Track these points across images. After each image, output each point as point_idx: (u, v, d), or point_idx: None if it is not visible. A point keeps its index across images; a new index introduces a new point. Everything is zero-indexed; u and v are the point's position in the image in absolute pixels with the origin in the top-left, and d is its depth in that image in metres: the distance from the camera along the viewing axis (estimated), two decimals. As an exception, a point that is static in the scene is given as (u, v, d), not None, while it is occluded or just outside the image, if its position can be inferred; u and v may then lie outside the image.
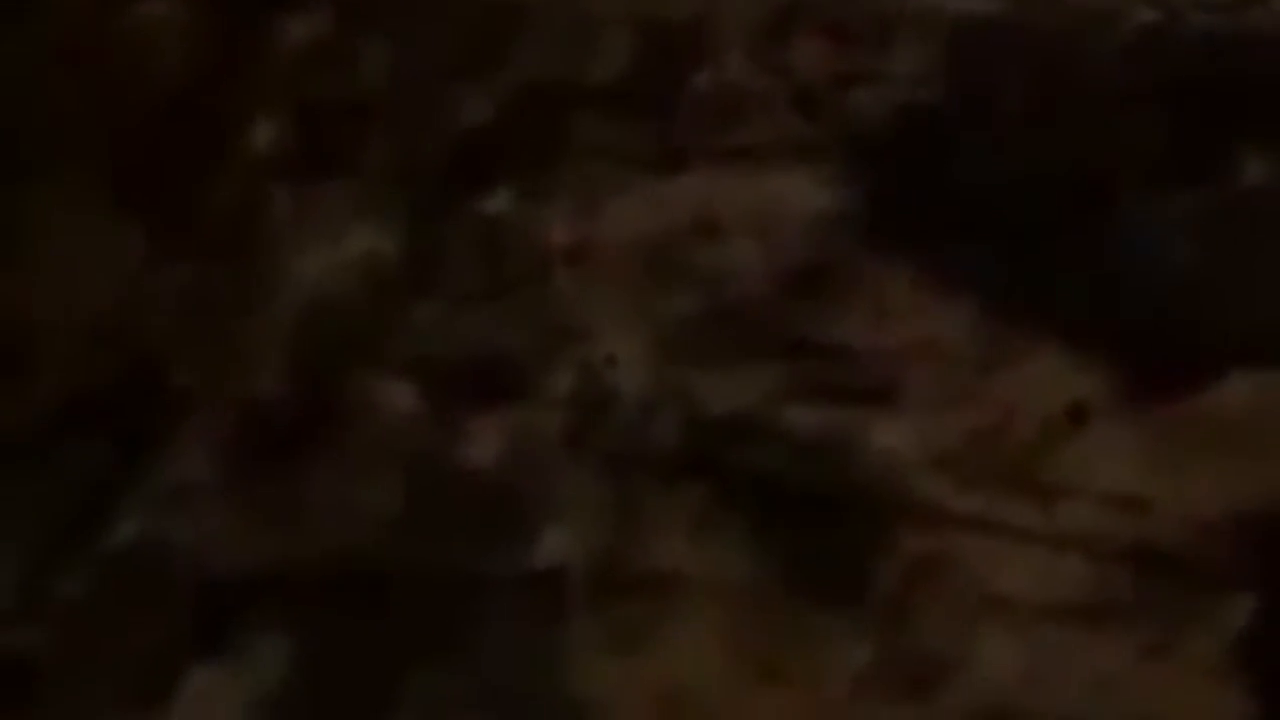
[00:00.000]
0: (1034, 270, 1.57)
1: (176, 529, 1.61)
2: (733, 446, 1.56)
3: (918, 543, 1.49)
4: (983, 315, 1.56)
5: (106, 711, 1.56)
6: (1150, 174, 1.60)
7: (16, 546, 1.63)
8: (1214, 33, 1.65)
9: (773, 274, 1.62)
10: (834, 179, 1.64)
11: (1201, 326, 1.52)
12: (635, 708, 1.47)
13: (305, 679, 1.53)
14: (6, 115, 1.79)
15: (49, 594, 1.61)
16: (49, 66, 1.80)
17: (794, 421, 1.55)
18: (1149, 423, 1.49)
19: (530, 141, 1.74)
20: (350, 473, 1.61)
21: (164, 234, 1.75)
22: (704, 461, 1.56)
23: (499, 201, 1.71)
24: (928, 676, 1.43)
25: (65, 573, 1.61)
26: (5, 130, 1.80)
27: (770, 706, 1.46)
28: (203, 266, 1.73)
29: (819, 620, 1.47)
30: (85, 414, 1.67)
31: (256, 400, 1.65)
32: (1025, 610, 1.45)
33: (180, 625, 1.58)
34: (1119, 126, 1.62)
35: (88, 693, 1.57)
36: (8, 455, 1.65)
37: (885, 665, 1.44)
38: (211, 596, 1.58)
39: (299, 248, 1.71)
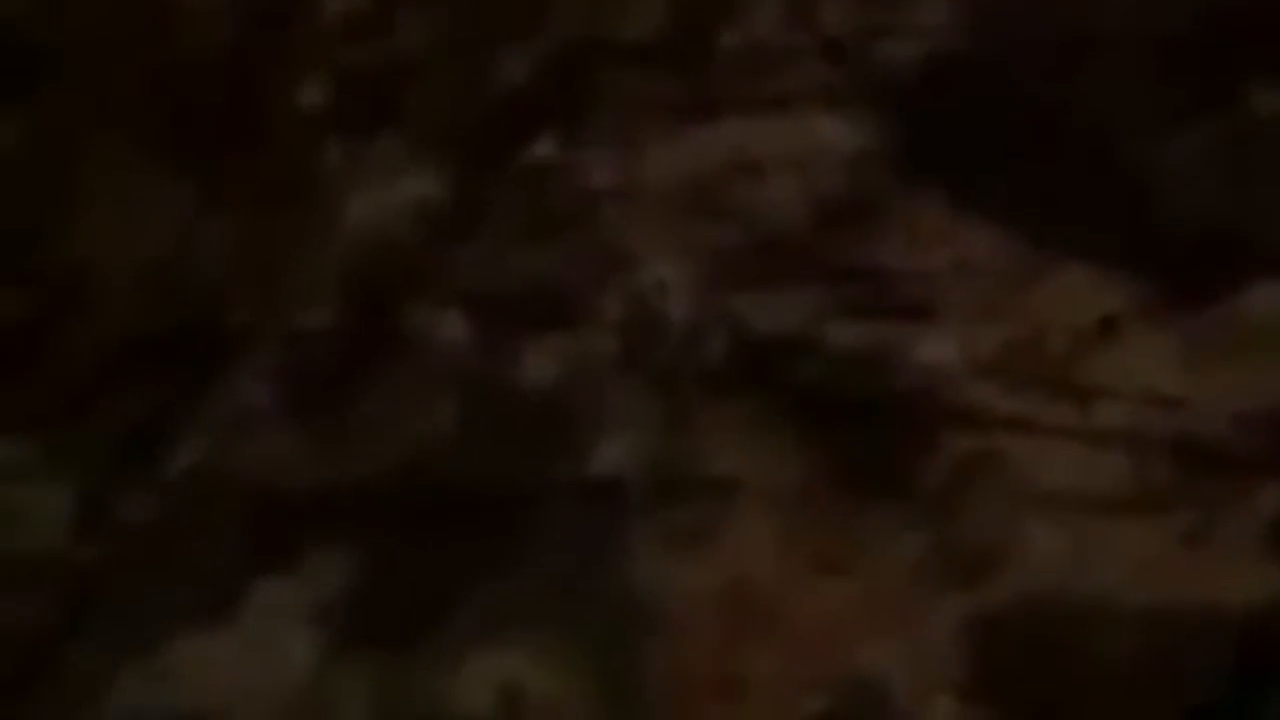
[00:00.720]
0: (1060, 197, 1.66)
1: (237, 453, 1.66)
2: (779, 362, 1.62)
3: (962, 443, 1.55)
4: (1012, 238, 1.66)
5: (172, 625, 1.61)
6: (1165, 109, 1.70)
7: (78, 473, 1.69)
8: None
9: (810, 207, 1.69)
10: (864, 121, 1.74)
11: (1223, 242, 1.61)
12: (695, 604, 1.53)
13: (367, 589, 1.58)
14: (68, 81, 1.88)
15: (111, 516, 1.67)
16: (107, 36, 1.89)
17: (837, 338, 1.62)
18: (1178, 330, 1.57)
19: (570, 97, 1.82)
20: (406, 398, 1.66)
21: (217, 187, 1.82)
22: (752, 376, 1.62)
23: (543, 149, 1.78)
24: (979, 565, 1.49)
25: (127, 496, 1.67)
26: (67, 95, 1.89)
27: (828, 597, 1.51)
28: (255, 215, 1.80)
29: (870, 516, 1.54)
30: (146, 352, 1.74)
31: (312, 334, 1.72)
32: (1068, 502, 1.51)
33: (243, 542, 1.62)
34: (1135, 67, 1.73)
35: (153, 608, 1.62)
36: (69, 391, 1.73)
37: (937, 555, 1.50)
38: (273, 514, 1.63)
39: (349, 194, 1.79)
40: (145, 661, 1.56)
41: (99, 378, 1.72)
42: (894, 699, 1.45)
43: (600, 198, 1.73)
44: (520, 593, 1.55)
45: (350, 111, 1.84)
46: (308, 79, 1.84)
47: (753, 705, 1.47)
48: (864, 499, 1.54)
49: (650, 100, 1.78)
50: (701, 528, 1.55)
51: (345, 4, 1.90)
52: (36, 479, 1.67)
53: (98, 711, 1.56)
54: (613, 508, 1.57)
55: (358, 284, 1.72)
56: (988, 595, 1.47)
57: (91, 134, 1.85)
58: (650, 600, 1.52)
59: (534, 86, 1.81)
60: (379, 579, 1.58)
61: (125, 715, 1.55)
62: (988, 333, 1.60)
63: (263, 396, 1.68)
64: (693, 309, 1.66)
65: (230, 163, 1.83)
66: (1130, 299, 1.59)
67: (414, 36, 1.86)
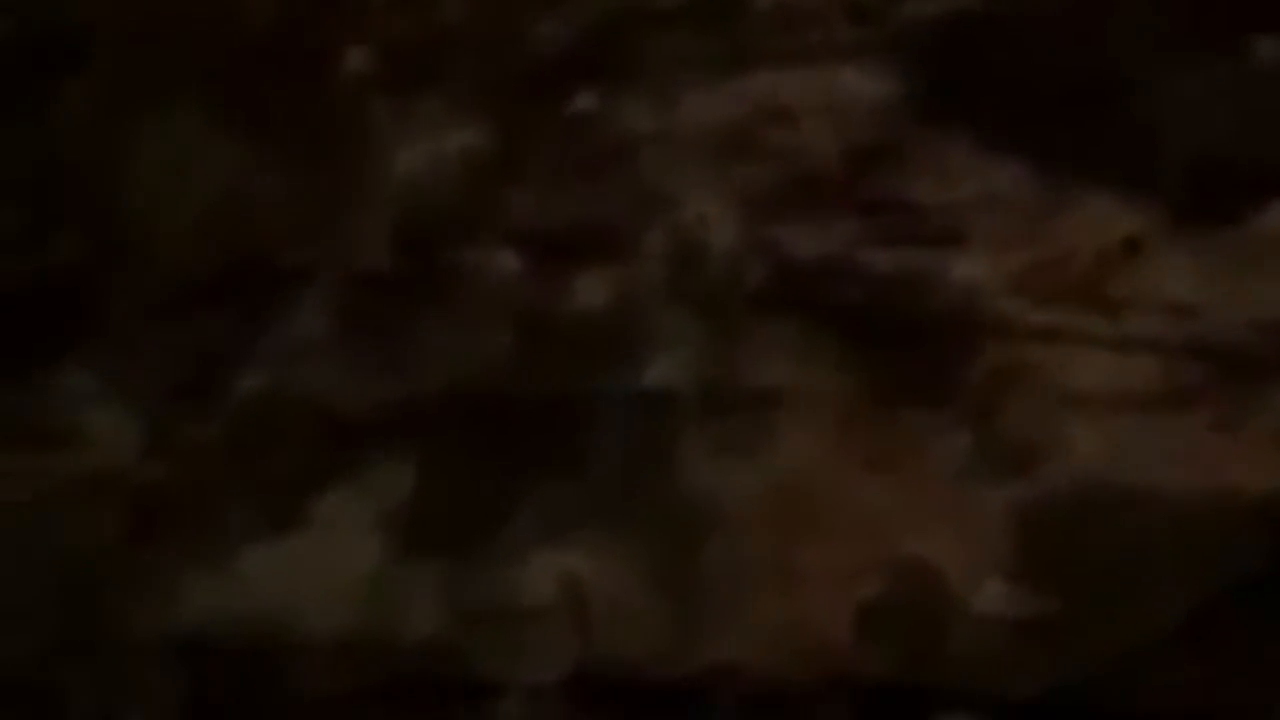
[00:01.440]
0: (1079, 138, 1.74)
1: (297, 378, 1.71)
2: (819, 285, 1.69)
3: (999, 353, 1.62)
4: (1037, 171, 1.74)
5: (240, 536, 1.66)
6: (1173, 56, 1.79)
7: (142, 400, 1.74)
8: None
9: (841, 148, 1.78)
10: (887, 74, 1.83)
11: (1232, 171, 1.70)
12: (748, 503, 1.59)
13: (429, 496, 1.64)
14: (126, 51, 1.95)
15: (176, 438, 1.71)
16: (163, 7, 1.96)
17: (873, 263, 1.71)
18: (1198, 248, 1.65)
19: (608, 58, 1.90)
20: (460, 324, 1.73)
21: (269, 146, 1.89)
22: (793, 299, 1.70)
23: (583, 102, 1.86)
24: (1020, 459, 1.56)
25: (192, 419, 1.72)
26: (126, 64, 1.95)
27: (877, 493, 1.58)
28: (307, 170, 1.86)
29: (913, 420, 1.61)
30: (204, 289, 1.80)
31: (367, 271, 1.78)
32: (1100, 401, 1.59)
33: (307, 457, 1.68)
34: (1146, 17, 1.82)
35: (220, 519, 1.66)
36: (131, 323, 1.78)
37: (980, 453, 1.58)
38: (335, 430, 1.69)
39: (397, 148, 1.85)
40: (215, 567, 1.63)
41: (160, 311, 1.80)
42: (945, 582, 1.53)
43: (640, 143, 1.82)
44: (577, 496, 1.62)
45: (395, 76, 1.93)
46: (354, 48, 1.94)
47: (807, 593, 1.54)
48: (906, 406, 1.61)
49: (685, 58, 1.89)
50: (750, 434, 1.62)
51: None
52: (102, 405, 1.74)
53: (170, 615, 1.62)
54: (664, 417, 1.64)
55: (410, 226, 1.81)
56: (1030, 487, 1.55)
57: (149, 98, 1.94)
58: (704, 500, 1.60)
59: (573, 49, 1.91)
60: (440, 487, 1.64)
61: (197, 618, 1.62)
62: (1016, 255, 1.68)
63: (320, 326, 1.75)
64: (734, 239, 1.74)
65: (280, 123, 1.91)
66: (1150, 223, 1.70)
67: (456, 8, 1.97)
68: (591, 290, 1.73)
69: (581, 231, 1.78)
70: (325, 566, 1.62)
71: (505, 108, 1.87)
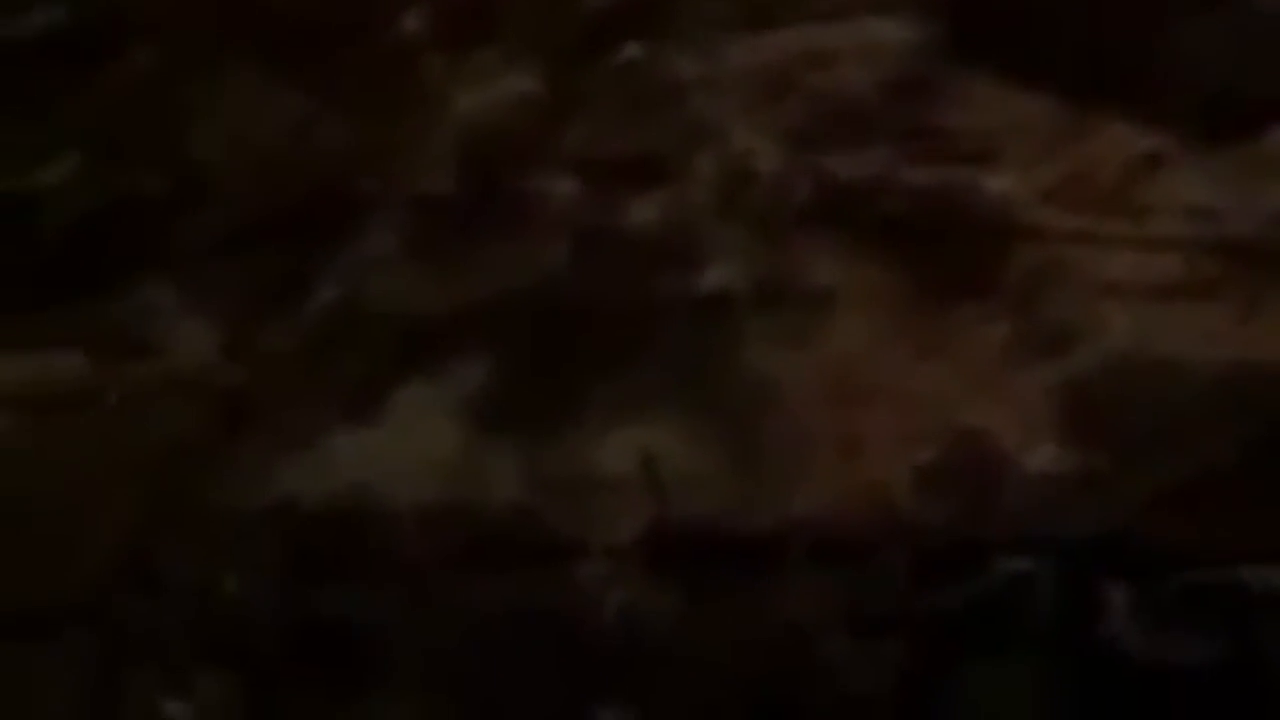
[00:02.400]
0: (1099, 66, 1.87)
1: (371, 290, 1.81)
2: (862, 201, 1.80)
3: (1033, 253, 1.74)
4: (1060, 102, 1.86)
5: (320, 428, 1.73)
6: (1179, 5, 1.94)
7: (221, 315, 1.81)
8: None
9: (876, 86, 1.90)
10: (914, 22, 1.95)
11: (1244, 97, 1.83)
12: (807, 385, 1.68)
13: (503, 385, 1.73)
14: (187, 17, 2.06)
15: (256, 344, 1.79)
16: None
17: (912, 179, 1.82)
18: (1215, 162, 1.78)
19: (651, 14, 2.01)
20: (522, 240, 1.83)
21: (329, 97, 1.98)
22: (838, 214, 1.80)
23: (630, 52, 1.97)
24: (1060, 340, 1.67)
25: (271, 329, 1.80)
26: (185, 31, 2.05)
27: (931, 375, 1.67)
28: (369, 116, 1.96)
29: (961, 311, 1.71)
30: (277, 222, 1.88)
31: (432, 195, 1.87)
32: (1131, 290, 1.70)
33: (382, 356, 1.77)
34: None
35: (301, 415, 1.74)
36: (203, 254, 1.86)
37: (1023, 336, 1.69)
38: (410, 333, 1.77)
39: (455, 94, 1.96)
40: (301, 453, 1.70)
41: (235, 239, 1.88)
42: (998, 446, 1.63)
43: (687, 86, 1.93)
44: (645, 383, 1.71)
45: (451, 35, 2.04)
46: (410, 10, 2.05)
47: (867, 460, 1.63)
48: (951, 300, 1.72)
49: (720, 15, 2.01)
50: (805, 326, 1.72)
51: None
52: (182, 318, 1.82)
53: (261, 492, 1.69)
54: (722, 314, 1.74)
55: (471, 155, 1.90)
56: (1072, 362, 1.66)
57: (212, 60, 2.03)
58: (764, 382, 1.69)
59: (620, 6, 2.02)
60: (514, 377, 1.73)
61: (286, 500, 1.69)
62: (1044, 171, 1.80)
63: (390, 245, 1.84)
64: (780, 165, 1.85)
65: (342, 77, 2.01)
66: (1167, 142, 1.82)
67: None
68: (646, 210, 1.84)
69: (634, 160, 1.89)
70: (407, 449, 1.70)
71: (557, 59, 2.00)
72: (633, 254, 1.81)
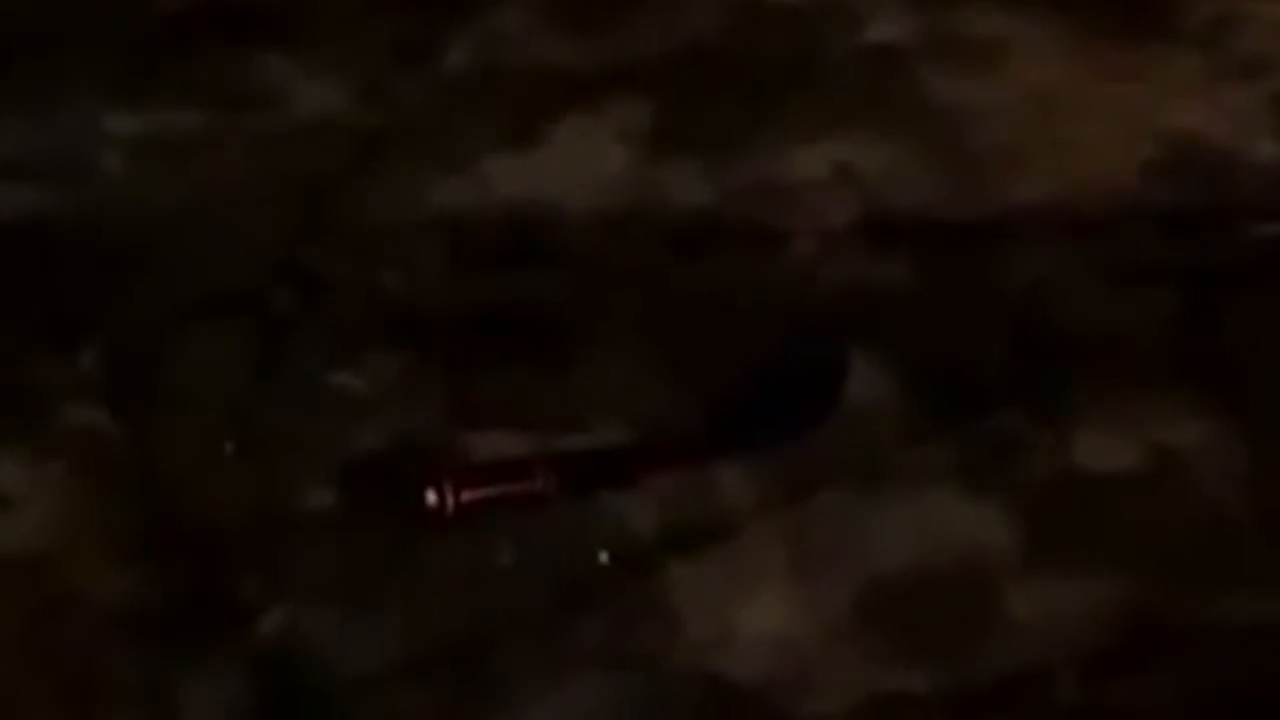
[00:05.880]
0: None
1: (506, 54, 1.64)
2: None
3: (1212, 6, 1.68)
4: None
5: (478, 151, 1.56)
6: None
7: (348, 75, 1.66)
8: None
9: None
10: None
11: None
12: (999, 105, 1.58)
13: (669, 120, 1.57)
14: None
15: (390, 95, 1.64)
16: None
17: None
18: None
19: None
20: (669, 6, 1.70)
21: None
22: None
23: None
24: (1255, 67, 1.60)
25: (404, 82, 1.65)
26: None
27: (1128, 94, 1.59)
28: None
29: (1145, 48, 1.62)
30: None
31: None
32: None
33: (533, 101, 1.60)
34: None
35: (454, 142, 1.58)
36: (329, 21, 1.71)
37: (1216, 64, 1.61)
38: (558, 83, 1.61)
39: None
40: (458, 173, 1.55)
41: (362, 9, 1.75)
42: (1217, 142, 1.54)
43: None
44: (820, 112, 1.60)
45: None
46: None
47: (1085, 158, 1.54)
48: (1132, 39, 1.66)
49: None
50: (983, 63, 1.63)
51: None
52: (309, 76, 1.67)
53: (420, 205, 1.53)
54: (893, 58, 1.65)
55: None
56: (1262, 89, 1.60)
57: None
58: (954, 106, 1.57)
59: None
60: (683, 114, 1.60)
61: (449, 212, 1.53)
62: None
63: (525, 20, 1.73)
64: None
65: None
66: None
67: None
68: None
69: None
70: (572, 169, 1.57)
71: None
72: (787, 18, 1.74)
